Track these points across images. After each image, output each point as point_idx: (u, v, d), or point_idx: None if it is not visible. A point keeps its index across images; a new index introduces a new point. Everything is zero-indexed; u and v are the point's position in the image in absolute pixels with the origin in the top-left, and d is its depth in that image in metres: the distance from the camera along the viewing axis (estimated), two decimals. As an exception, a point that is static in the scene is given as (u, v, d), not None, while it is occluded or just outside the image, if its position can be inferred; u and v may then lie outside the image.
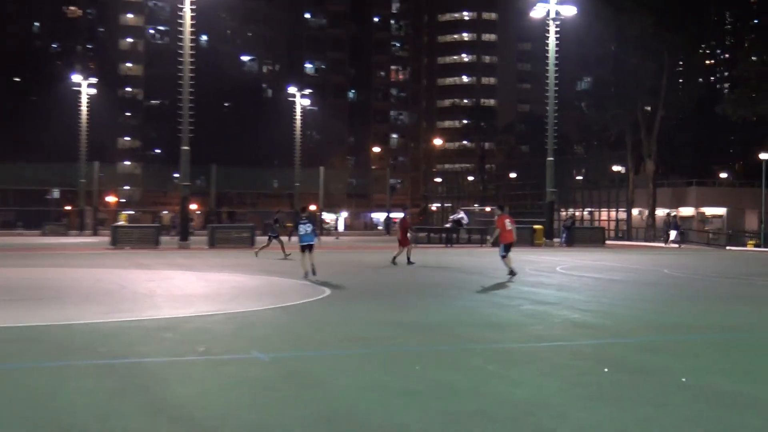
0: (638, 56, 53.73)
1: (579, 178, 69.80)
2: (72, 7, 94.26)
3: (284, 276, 18.80)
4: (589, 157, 74.04)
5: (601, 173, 65.04)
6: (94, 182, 57.04)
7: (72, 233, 52.83)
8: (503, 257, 18.69)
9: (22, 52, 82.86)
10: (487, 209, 58.09)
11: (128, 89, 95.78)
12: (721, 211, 58.77)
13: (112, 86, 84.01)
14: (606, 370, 7.85)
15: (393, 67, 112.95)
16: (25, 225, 59.11)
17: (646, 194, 56.22)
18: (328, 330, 10.42)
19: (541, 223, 41.57)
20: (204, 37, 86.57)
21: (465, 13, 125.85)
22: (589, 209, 63.74)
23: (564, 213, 60.93)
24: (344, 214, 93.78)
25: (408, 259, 23.57)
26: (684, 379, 7.43)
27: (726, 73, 72.78)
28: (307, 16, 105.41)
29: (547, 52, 40.99)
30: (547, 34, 40.74)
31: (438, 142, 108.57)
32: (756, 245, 44.67)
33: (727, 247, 44.39)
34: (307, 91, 64.02)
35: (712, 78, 76.09)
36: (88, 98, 57.23)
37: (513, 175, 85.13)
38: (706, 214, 58.86)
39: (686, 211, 58.54)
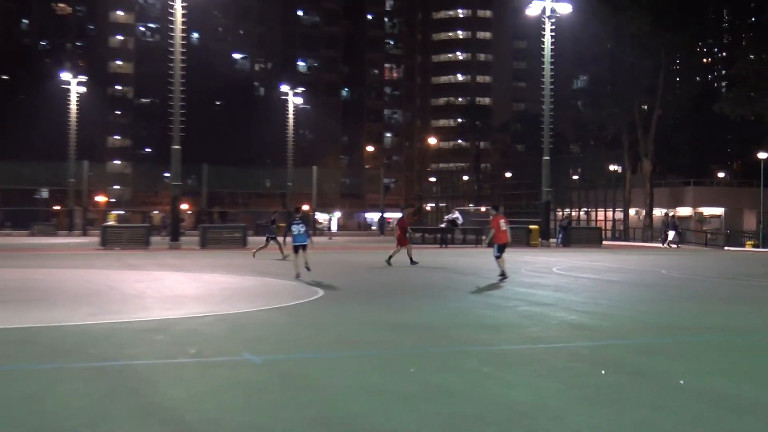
0: (635, 54, 53.57)
1: (575, 177, 69.67)
2: (61, 5, 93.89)
3: (277, 277, 18.73)
4: (586, 157, 73.84)
5: (598, 173, 64.90)
6: (83, 182, 56.59)
7: (61, 233, 52.63)
8: (497, 258, 18.62)
9: (11, 49, 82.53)
10: (483, 209, 57.98)
11: (118, 87, 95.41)
12: (719, 211, 58.61)
13: (101, 84, 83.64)
14: (603, 372, 7.80)
15: (387, 65, 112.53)
16: (13, 225, 58.63)
17: (643, 194, 56.08)
18: (322, 331, 10.35)
19: (537, 223, 41.43)
20: (195, 35, 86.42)
21: (459, 11, 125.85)
22: (586, 209, 63.68)
23: (560, 213, 61.02)
24: (337, 214, 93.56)
25: (411, 259, 23.43)
26: (682, 381, 7.38)
27: (724, 72, 72.53)
28: (300, 13, 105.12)
29: (543, 50, 40.98)
30: (543, 32, 40.72)
31: (432, 141, 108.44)
32: (754, 246, 44.51)
33: (726, 248, 44.22)
34: (299, 90, 63.81)
35: (709, 76, 75.91)
36: (77, 96, 56.93)
37: (508, 174, 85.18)
38: (704, 214, 58.69)
39: (684, 211, 58.40)
